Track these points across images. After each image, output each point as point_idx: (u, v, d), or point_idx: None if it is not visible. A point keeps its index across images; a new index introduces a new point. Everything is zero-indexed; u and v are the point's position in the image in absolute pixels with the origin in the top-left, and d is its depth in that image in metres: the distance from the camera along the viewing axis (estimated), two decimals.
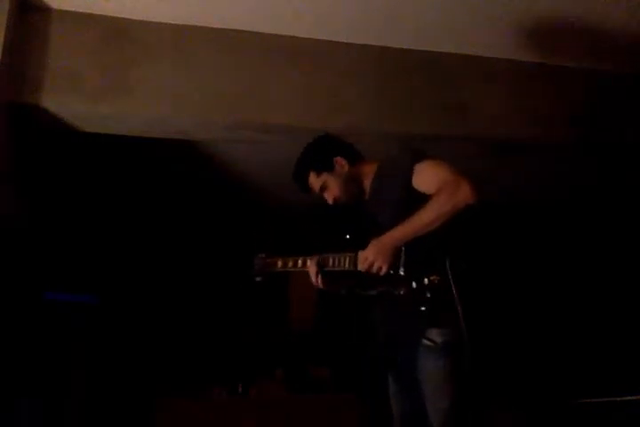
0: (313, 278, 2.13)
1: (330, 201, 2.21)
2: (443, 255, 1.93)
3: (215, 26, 2.98)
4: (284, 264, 2.20)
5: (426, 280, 1.91)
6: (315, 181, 2.20)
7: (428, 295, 1.90)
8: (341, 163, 2.19)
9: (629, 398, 4.00)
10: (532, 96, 3.23)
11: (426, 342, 1.91)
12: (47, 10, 2.84)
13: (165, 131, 3.08)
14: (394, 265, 1.96)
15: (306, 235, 2.21)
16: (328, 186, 2.19)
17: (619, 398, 4.05)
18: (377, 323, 2.15)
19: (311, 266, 2.12)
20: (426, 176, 1.98)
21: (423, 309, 1.91)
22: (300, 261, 2.16)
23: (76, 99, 2.80)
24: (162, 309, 4.67)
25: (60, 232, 4.38)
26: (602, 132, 3.30)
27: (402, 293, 1.95)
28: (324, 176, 2.18)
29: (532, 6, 2.88)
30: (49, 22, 2.83)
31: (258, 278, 2.26)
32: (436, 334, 1.91)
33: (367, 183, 2.19)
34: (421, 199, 1.94)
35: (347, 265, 2.05)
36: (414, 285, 1.93)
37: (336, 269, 2.08)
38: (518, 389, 4.59)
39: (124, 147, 3.61)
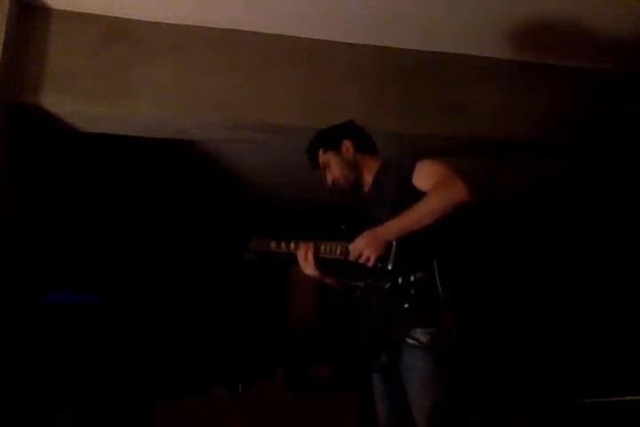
0: (301, 262, 2.13)
1: (329, 181, 2.26)
2: (433, 254, 1.96)
3: (215, 26, 2.98)
4: (278, 245, 2.19)
5: (412, 277, 1.93)
6: (322, 157, 2.27)
7: (412, 292, 1.91)
8: (347, 146, 2.25)
9: (629, 398, 4.01)
10: (532, 96, 3.23)
11: (411, 341, 1.92)
12: (47, 10, 2.84)
13: (165, 131, 3.08)
14: (383, 258, 1.97)
15: (304, 234, 2.20)
16: (330, 165, 2.24)
17: (619, 398, 4.06)
18: (360, 321, 2.15)
19: (302, 248, 2.13)
20: (425, 173, 2.01)
21: (406, 306, 1.92)
22: (293, 245, 2.16)
23: (76, 99, 2.80)
24: (162, 309, 4.67)
25: (60, 232, 4.38)
26: (602, 132, 3.30)
27: (386, 286, 1.97)
28: (330, 155, 2.25)
29: (532, 6, 2.88)
30: (49, 22, 2.83)
31: (249, 256, 2.24)
32: (420, 334, 1.91)
33: (368, 177, 2.22)
34: (418, 197, 1.97)
35: (337, 253, 2.07)
36: (400, 280, 1.94)
37: (326, 256, 2.10)
38: (518, 388, 4.60)
39: (124, 147, 3.62)
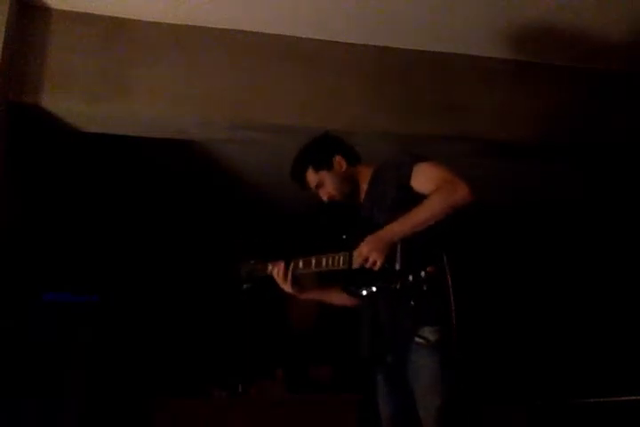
0: (278, 281, 2.17)
1: (324, 198, 2.24)
2: (439, 249, 1.95)
3: (215, 26, 2.98)
4: (272, 267, 2.21)
5: (422, 273, 1.92)
6: (312, 177, 2.23)
7: (425, 288, 1.90)
8: (340, 162, 2.22)
9: (629, 398, 4.00)
10: (532, 96, 3.23)
11: (418, 339, 1.92)
12: (47, 10, 2.83)
13: (165, 131, 3.08)
14: (389, 260, 1.96)
15: (303, 235, 2.21)
16: (324, 183, 2.22)
17: (618, 398, 4.06)
18: (363, 322, 2.15)
19: (274, 269, 2.17)
20: (425, 176, 2.01)
21: (412, 303, 1.92)
22: (292, 265, 2.17)
23: (76, 99, 2.80)
24: (162, 308, 4.67)
25: (60, 232, 4.38)
26: (602, 132, 3.30)
27: (397, 287, 1.95)
28: (322, 174, 2.21)
29: (532, 6, 2.88)
30: (49, 22, 2.83)
31: (245, 286, 2.25)
32: (428, 332, 1.91)
33: (363, 186, 2.22)
34: (419, 199, 1.97)
35: (341, 264, 2.05)
36: (410, 278, 1.93)
37: (330, 269, 2.09)
38: (518, 388, 4.60)
39: (124, 147, 3.61)
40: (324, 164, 2.21)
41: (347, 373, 4.14)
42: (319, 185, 2.23)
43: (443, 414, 1.88)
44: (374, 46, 3.13)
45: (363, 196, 2.22)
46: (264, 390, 4.05)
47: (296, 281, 2.17)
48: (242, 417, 3.75)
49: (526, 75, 3.26)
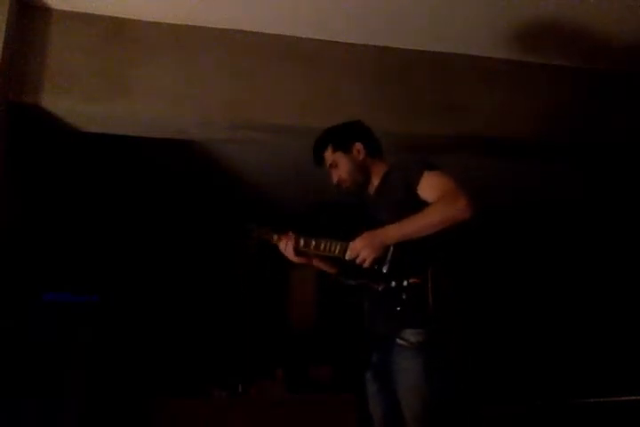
0: (282, 251, 2.21)
1: (334, 180, 2.28)
2: (429, 261, 1.98)
3: (215, 26, 2.98)
4: (278, 237, 2.24)
5: (405, 282, 1.96)
6: (329, 155, 2.27)
7: (404, 297, 1.95)
8: (359, 149, 2.25)
9: (629, 398, 4.01)
10: (532, 96, 3.23)
11: (400, 341, 1.95)
12: (47, 10, 2.84)
13: (165, 131, 3.08)
14: (379, 261, 2.01)
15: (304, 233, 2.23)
16: (338, 165, 2.25)
17: (618, 398, 4.06)
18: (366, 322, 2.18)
19: (282, 241, 2.20)
20: (431, 184, 2.03)
21: (398, 309, 1.95)
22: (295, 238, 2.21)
23: (76, 99, 2.80)
24: (162, 308, 4.67)
25: (60, 232, 4.37)
26: (602, 132, 3.30)
27: (379, 289, 2.01)
28: (339, 155, 2.25)
29: (532, 7, 2.88)
30: (49, 22, 2.83)
31: (250, 243, 2.29)
32: (410, 334, 1.94)
33: (376, 180, 2.24)
34: (420, 205, 2.00)
35: (336, 252, 2.10)
36: (393, 284, 1.98)
37: (325, 254, 2.15)
38: (518, 388, 4.60)
39: (124, 147, 3.62)
40: (342, 145, 2.25)
41: (347, 373, 4.13)
42: (333, 165, 2.26)
43: (425, 415, 1.90)
44: (374, 46, 3.13)
45: (372, 191, 2.25)
46: (264, 390, 4.06)
47: (299, 253, 2.21)
48: (242, 417, 3.75)
49: (526, 75, 3.26)
